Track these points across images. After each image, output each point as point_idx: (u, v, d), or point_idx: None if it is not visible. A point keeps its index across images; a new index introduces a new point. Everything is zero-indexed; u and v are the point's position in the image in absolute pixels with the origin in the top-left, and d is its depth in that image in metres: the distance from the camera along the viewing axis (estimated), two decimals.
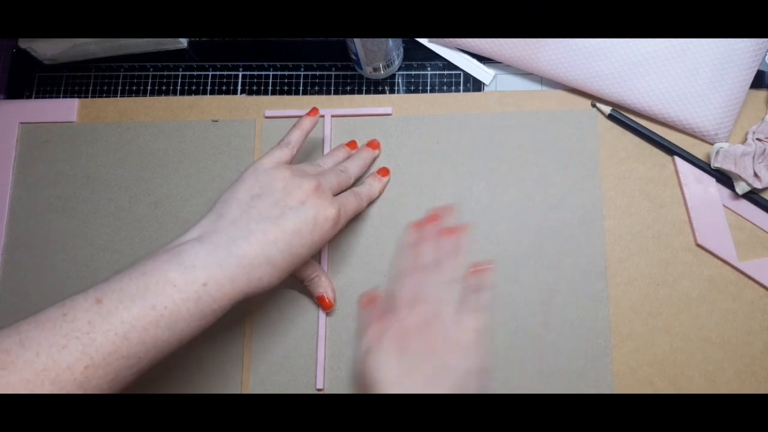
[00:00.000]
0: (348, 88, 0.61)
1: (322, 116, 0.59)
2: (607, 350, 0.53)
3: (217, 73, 0.62)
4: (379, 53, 0.55)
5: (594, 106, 0.58)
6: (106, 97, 0.62)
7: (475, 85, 0.60)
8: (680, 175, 0.56)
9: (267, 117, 0.59)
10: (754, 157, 0.53)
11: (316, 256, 0.54)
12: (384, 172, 0.56)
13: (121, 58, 0.62)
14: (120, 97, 0.62)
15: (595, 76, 0.56)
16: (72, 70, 0.62)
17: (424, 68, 0.61)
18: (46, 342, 0.37)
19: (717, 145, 0.54)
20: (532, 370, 0.53)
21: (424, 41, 0.61)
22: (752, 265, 0.54)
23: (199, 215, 0.57)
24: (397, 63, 0.59)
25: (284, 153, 0.49)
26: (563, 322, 0.54)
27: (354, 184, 0.53)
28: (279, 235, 0.44)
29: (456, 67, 0.60)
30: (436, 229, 0.53)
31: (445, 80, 0.60)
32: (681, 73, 0.55)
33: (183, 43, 0.62)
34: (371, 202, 0.56)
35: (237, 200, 0.45)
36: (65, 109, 0.61)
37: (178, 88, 0.61)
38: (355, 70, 0.61)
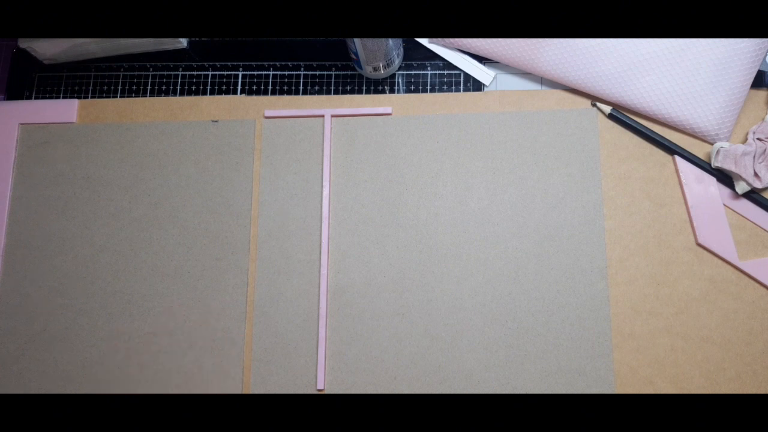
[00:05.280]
0: (348, 87, 0.61)
1: (322, 116, 0.59)
2: (607, 350, 0.53)
3: (217, 73, 0.62)
4: (379, 53, 0.55)
5: (594, 105, 0.58)
6: (106, 97, 0.62)
7: (475, 85, 0.60)
8: (681, 174, 0.56)
9: (267, 117, 0.59)
10: (754, 157, 0.53)
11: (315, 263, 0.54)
12: None
13: (121, 58, 0.62)
14: (120, 97, 0.62)
15: (595, 76, 0.56)
16: (72, 70, 0.62)
17: (424, 68, 0.61)
18: None
19: (717, 145, 0.54)
20: (533, 370, 0.53)
21: (424, 41, 0.61)
22: (753, 265, 0.54)
23: (198, 215, 0.57)
24: (397, 63, 0.59)
25: None
26: (564, 322, 0.54)
27: None
28: None
29: (456, 67, 0.60)
30: None
31: (445, 80, 0.60)
32: (681, 73, 0.55)
33: (183, 43, 0.62)
34: None
35: None
36: (65, 110, 0.61)
37: (178, 88, 0.61)
38: (355, 70, 0.61)
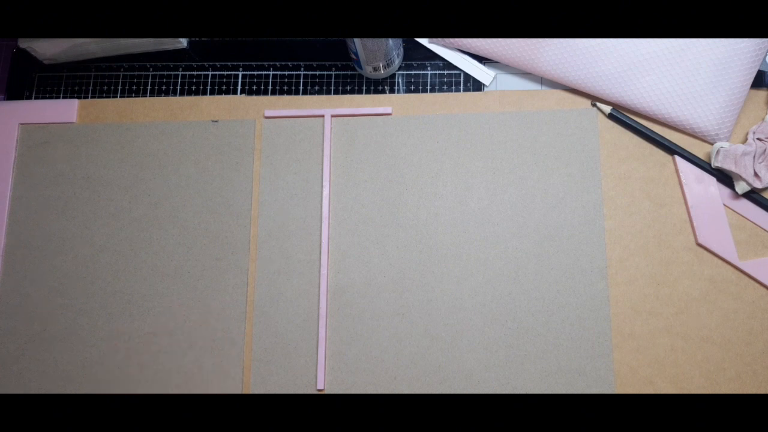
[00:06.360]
0: (348, 87, 0.61)
1: (322, 116, 0.59)
2: (607, 350, 0.53)
3: (217, 73, 0.62)
4: (379, 53, 0.55)
5: (594, 105, 0.58)
6: (106, 97, 0.62)
7: (475, 85, 0.60)
8: (681, 174, 0.56)
9: (267, 117, 0.59)
10: (754, 157, 0.53)
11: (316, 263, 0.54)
12: None
13: (121, 58, 0.62)
14: (120, 97, 0.62)
15: (595, 76, 0.56)
16: (72, 70, 0.62)
17: (424, 68, 0.61)
18: None
19: (717, 145, 0.54)
20: (533, 370, 0.53)
21: (424, 41, 0.61)
22: (753, 265, 0.54)
23: (198, 215, 0.57)
24: (397, 63, 0.59)
25: None
26: (564, 322, 0.54)
27: None
28: None
29: (456, 67, 0.60)
30: None
31: (445, 80, 0.60)
32: (681, 73, 0.55)
33: (183, 43, 0.62)
34: None
35: None
36: (65, 110, 0.61)
37: (178, 88, 0.61)
38: (355, 70, 0.61)
